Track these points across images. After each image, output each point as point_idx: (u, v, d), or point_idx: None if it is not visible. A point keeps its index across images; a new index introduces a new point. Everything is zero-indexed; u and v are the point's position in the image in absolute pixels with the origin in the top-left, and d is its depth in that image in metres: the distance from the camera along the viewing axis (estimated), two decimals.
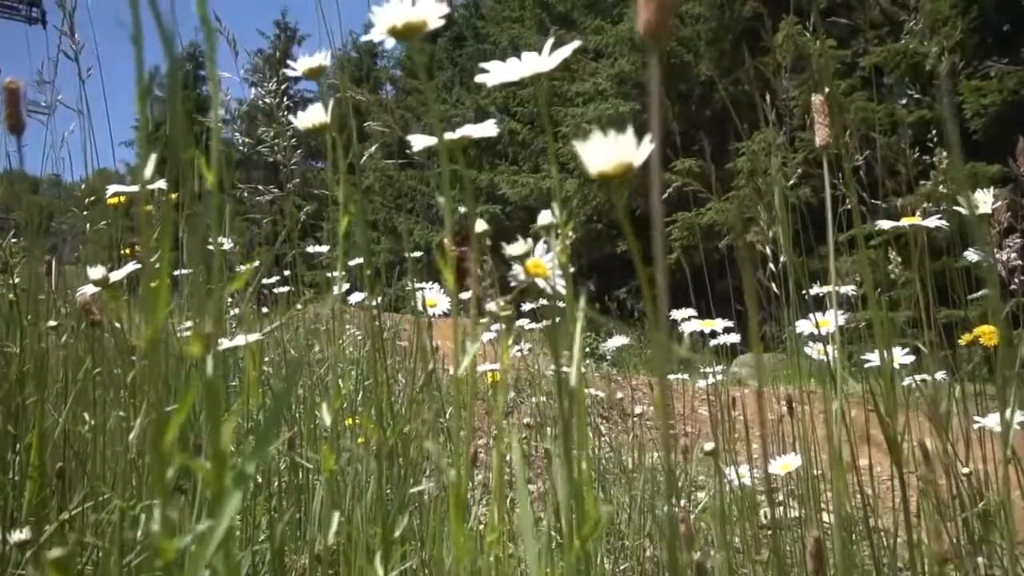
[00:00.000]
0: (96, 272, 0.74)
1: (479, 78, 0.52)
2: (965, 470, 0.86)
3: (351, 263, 1.56)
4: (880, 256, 1.57)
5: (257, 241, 2.52)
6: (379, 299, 1.40)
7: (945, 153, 1.46)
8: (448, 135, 0.53)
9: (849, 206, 1.40)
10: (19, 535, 0.62)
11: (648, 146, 0.35)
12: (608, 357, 5.01)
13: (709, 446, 0.97)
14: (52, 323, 0.91)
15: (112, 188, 0.91)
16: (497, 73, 0.52)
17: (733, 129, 8.28)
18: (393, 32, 0.47)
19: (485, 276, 0.57)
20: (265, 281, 2.07)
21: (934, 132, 1.78)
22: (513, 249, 0.45)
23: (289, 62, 0.62)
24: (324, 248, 1.74)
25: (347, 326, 3.03)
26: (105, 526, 0.75)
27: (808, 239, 1.56)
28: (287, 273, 2.09)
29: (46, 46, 1.63)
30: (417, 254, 1.71)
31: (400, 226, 13.55)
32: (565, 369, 0.82)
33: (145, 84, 0.28)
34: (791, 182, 1.36)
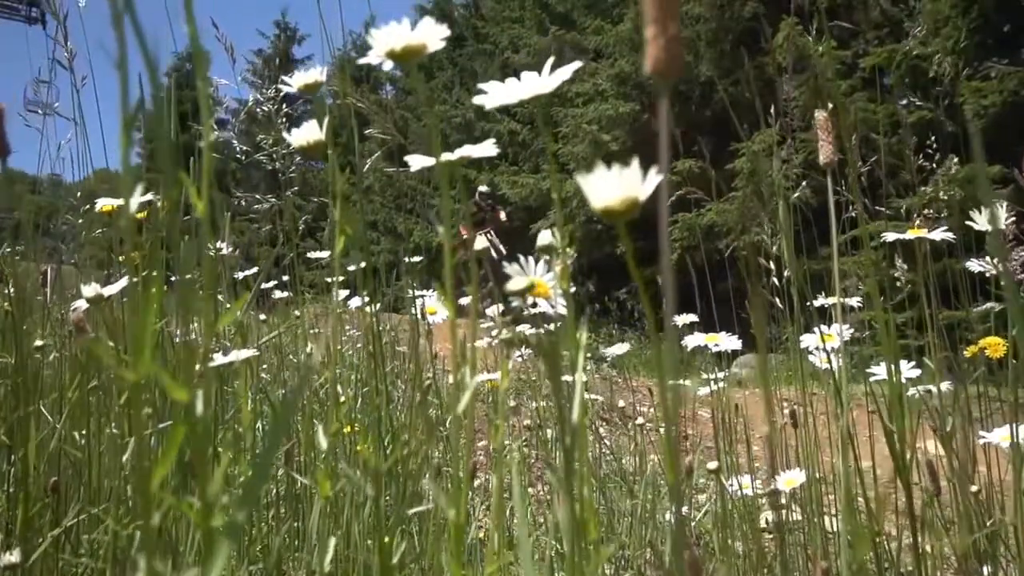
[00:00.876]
0: (89, 289, 0.73)
1: (477, 100, 0.51)
2: (973, 488, 0.86)
3: (350, 268, 1.55)
4: (881, 257, 1.56)
5: (257, 242, 2.51)
6: (377, 305, 1.38)
7: (956, 160, 1.45)
8: (446, 155, 0.51)
9: (854, 214, 1.39)
10: (9, 557, 0.61)
11: (654, 178, 0.34)
12: (608, 359, 5.00)
13: (712, 465, 0.96)
14: (39, 343, 0.90)
15: (101, 200, 0.90)
16: (496, 95, 0.50)
17: (732, 130, 8.27)
18: (392, 55, 0.46)
19: (485, 292, 0.55)
20: (264, 285, 2.06)
21: (933, 138, 1.77)
22: (514, 284, 0.44)
23: (284, 78, 0.60)
24: (324, 254, 1.73)
25: (346, 326, 3.03)
26: (100, 543, 0.74)
27: (809, 238, 1.55)
28: (286, 278, 2.08)
29: (46, 46, 1.62)
30: (416, 259, 1.70)
31: (400, 226, 13.54)
32: (568, 377, 0.80)
33: (130, 115, 0.26)
34: (796, 194, 1.35)
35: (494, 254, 8.68)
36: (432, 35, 0.46)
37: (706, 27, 11.17)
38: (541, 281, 0.53)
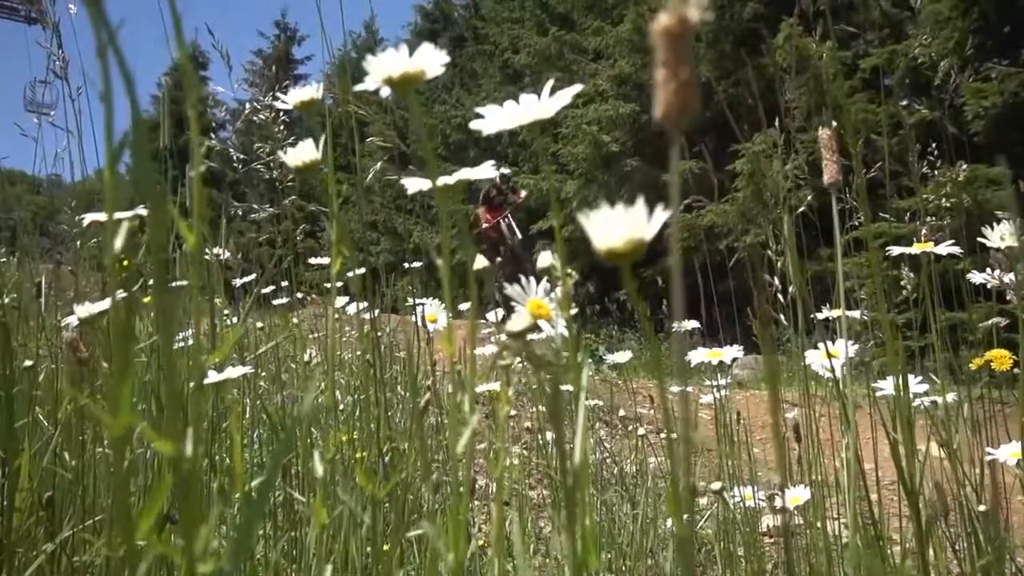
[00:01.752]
0: (83, 309, 0.71)
1: (474, 125, 0.49)
2: (981, 507, 0.85)
3: (348, 274, 1.54)
4: (882, 258, 1.56)
5: (256, 243, 2.50)
6: (376, 311, 1.37)
7: (964, 166, 1.45)
8: (444, 179, 0.50)
9: (858, 223, 1.38)
10: None
11: (661, 216, 0.33)
12: (608, 361, 4.98)
13: (716, 486, 0.96)
14: (28, 363, 0.88)
15: (89, 216, 0.88)
16: (493, 120, 0.49)
17: (733, 130, 8.25)
18: (389, 82, 0.44)
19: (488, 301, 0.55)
20: (263, 290, 2.05)
21: (934, 145, 1.76)
22: (515, 324, 0.43)
23: (280, 95, 0.59)
24: (324, 260, 1.73)
25: (345, 327, 3.02)
26: (94, 560, 0.73)
27: (810, 239, 1.55)
28: (285, 284, 2.07)
29: (44, 49, 1.60)
30: (417, 264, 1.69)
31: (399, 227, 13.52)
32: (572, 392, 0.79)
33: (115, 150, 0.25)
34: (801, 208, 1.34)
35: (509, 240, 8.66)
36: (431, 61, 0.44)
37: (706, 28, 11.15)
38: (542, 302, 0.52)
